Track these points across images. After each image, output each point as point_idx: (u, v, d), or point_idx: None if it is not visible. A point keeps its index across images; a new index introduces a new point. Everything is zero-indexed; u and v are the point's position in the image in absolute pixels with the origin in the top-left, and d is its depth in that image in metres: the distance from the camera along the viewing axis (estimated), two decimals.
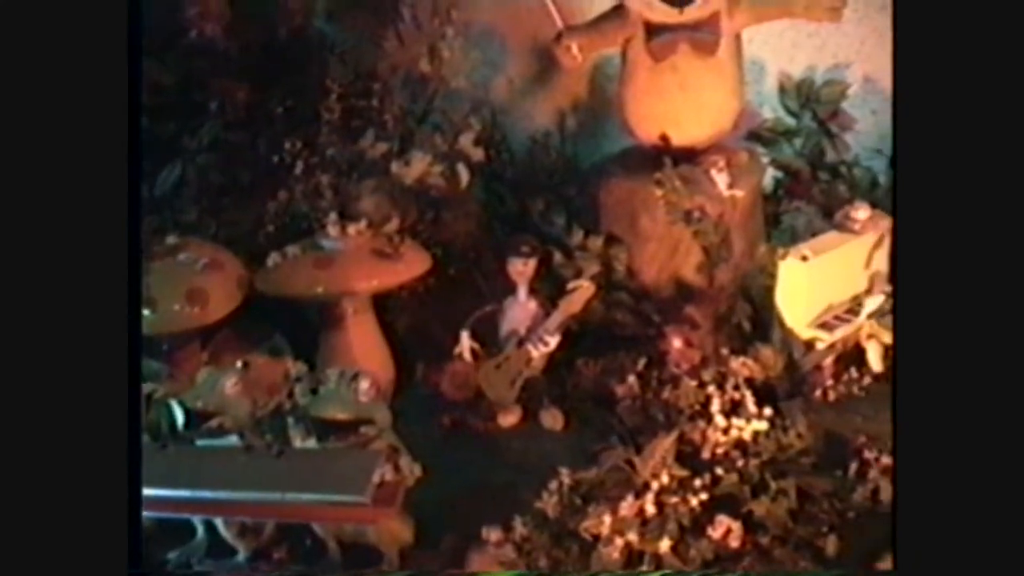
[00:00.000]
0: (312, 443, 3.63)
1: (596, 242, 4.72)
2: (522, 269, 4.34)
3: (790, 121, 5.54)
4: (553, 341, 4.26)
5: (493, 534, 3.60)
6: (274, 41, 5.01)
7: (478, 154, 4.95)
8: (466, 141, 4.95)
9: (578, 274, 4.51)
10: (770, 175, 5.42)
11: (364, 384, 3.62)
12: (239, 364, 3.79)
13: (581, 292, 4.29)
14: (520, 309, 4.36)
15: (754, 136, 5.43)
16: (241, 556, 3.61)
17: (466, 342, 4.30)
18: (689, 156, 4.68)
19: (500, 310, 4.38)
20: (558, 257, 4.68)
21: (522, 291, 4.36)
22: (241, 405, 3.67)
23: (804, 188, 5.37)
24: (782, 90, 5.54)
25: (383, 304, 4.55)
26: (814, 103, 5.50)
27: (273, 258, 4.41)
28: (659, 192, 4.53)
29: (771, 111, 5.54)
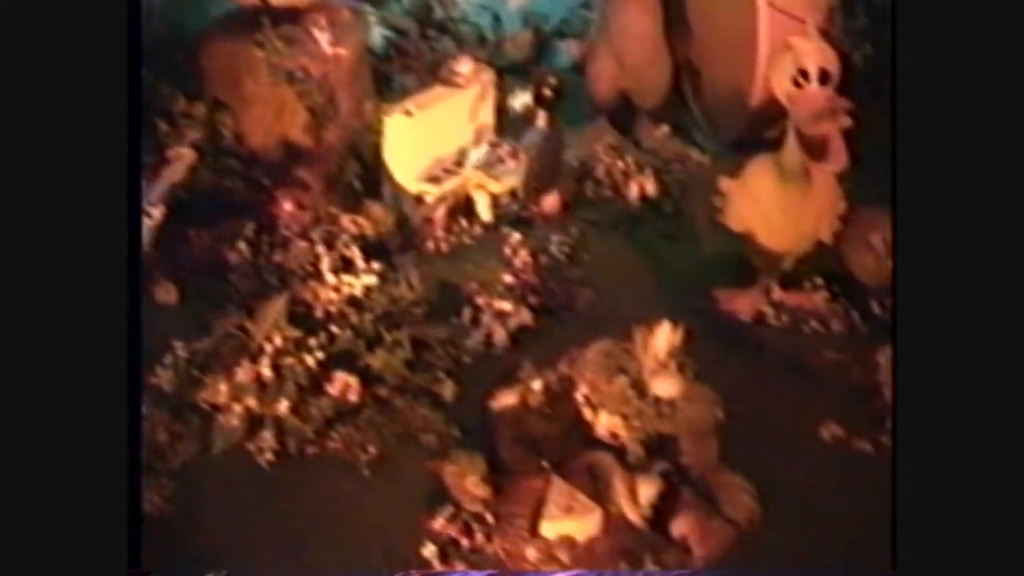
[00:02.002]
0: None
1: (200, 108, 4.55)
2: None
3: None
4: (158, 212, 4.10)
5: None
6: None
7: None
8: None
9: (183, 142, 4.34)
10: (379, 34, 5.38)
11: None
12: None
13: (181, 160, 4.14)
14: None
15: None
16: None
17: None
18: (290, 16, 4.56)
19: None
20: (164, 126, 4.49)
21: None
22: None
23: (413, 45, 5.38)
24: None
25: None
26: None
27: None
28: (260, 54, 4.41)
29: None
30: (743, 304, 4.08)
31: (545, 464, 3.34)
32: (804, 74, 3.81)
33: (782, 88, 3.85)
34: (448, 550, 3.18)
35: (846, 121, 3.70)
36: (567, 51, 5.69)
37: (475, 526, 3.22)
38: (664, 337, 3.38)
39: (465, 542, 3.19)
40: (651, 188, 4.69)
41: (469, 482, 3.27)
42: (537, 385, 3.50)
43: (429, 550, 3.16)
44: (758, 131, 4.52)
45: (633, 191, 4.69)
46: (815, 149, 3.76)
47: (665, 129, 5.11)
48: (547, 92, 4.40)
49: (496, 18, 5.61)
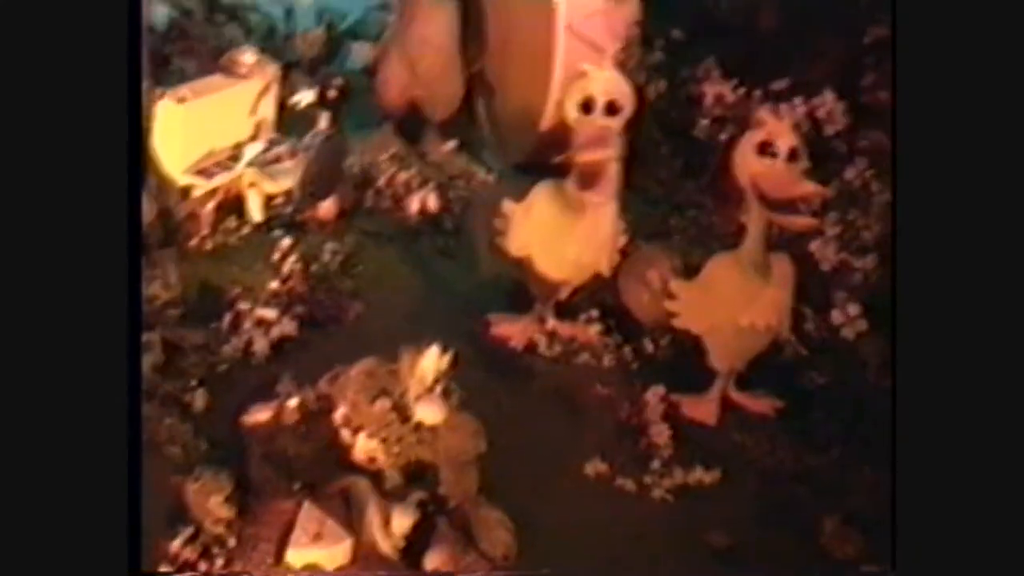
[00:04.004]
0: None
1: None
2: None
3: None
4: None
5: None
6: None
7: None
8: None
9: None
10: (164, 13, 5.10)
11: None
12: None
13: None
14: None
15: None
16: None
17: None
18: None
19: None
20: None
21: None
22: None
23: (197, 28, 5.12)
24: None
25: None
26: None
27: None
28: None
29: None
30: (515, 331, 3.99)
31: (296, 487, 3.16)
32: (591, 102, 3.77)
33: (571, 114, 3.81)
34: (184, 573, 2.97)
35: (609, 153, 3.66)
36: (360, 53, 5.53)
37: (215, 549, 3.01)
38: (431, 361, 3.25)
39: (203, 566, 2.98)
40: (433, 203, 4.57)
41: (212, 502, 3.06)
42: (294, 402, 3.32)
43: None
44: (545, 156, 4.45)
45: (414, 204, 4.56)
46: (586, 178, 3.71)
47: (452, 144, 5.01)
48: (332, 93, 4.22)
49: (289, 11, 5.41)
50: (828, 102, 4.24)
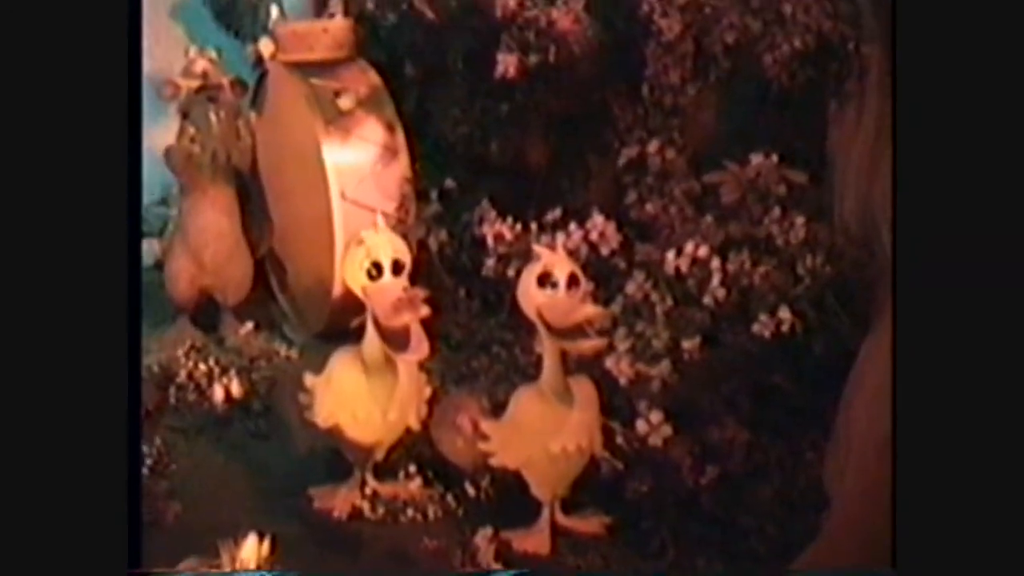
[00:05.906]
0: None
1: None
2: None
3: None
4: None
5: None
6: None
7: None
8: None
9: None
10: None
11: None
12: None
13: None
14: None
15: None
16: None
17: None
18: None
19: None
20: None
21: None
22: None
23: None
24: None
25: None
26: None
27: None
28: None
29: None
30: (338, 501, 3.98)
31: None
32: (378, 266, 3.85)
33: (357, 282, 3.87)
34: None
35: (424, 311, 3.74)
36: (148, 250, 5.52)
37: None
38: (251, 550, 3.22)
39: None
40: (237, 388, 4.57)
41: None
42: None
43: None
44: (342, 322, 4.53)
45: (218, 393, 4.55)
46: (395, 340, 3.78)
47: (249, 326, 5.02)
48: None
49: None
50: (599, 224, 4.44)
